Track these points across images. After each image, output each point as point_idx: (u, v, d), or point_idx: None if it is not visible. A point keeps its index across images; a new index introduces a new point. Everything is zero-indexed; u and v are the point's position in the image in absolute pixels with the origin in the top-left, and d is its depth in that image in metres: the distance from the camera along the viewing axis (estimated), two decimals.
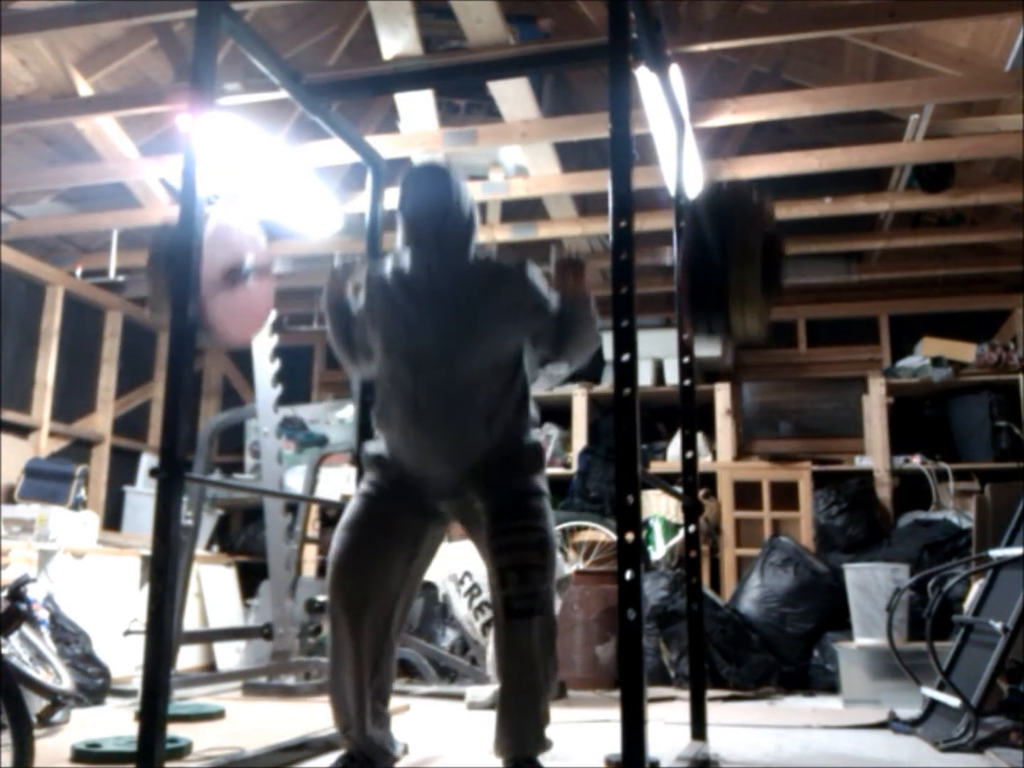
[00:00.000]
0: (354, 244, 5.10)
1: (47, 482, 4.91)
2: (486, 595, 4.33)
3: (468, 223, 2.28)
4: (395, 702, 3.62)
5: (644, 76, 2.82)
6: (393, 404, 2.26)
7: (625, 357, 1.83)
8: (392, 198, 2.34)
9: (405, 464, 2.26)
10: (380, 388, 2.34)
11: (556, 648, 2.11)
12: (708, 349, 5.59)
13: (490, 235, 5.24)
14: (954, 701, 2.93)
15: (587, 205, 5.11)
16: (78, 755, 2.60)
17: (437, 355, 2.20)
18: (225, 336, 2.45)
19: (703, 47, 3.57)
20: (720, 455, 5.53)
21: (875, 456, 5.36)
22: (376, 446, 2.35)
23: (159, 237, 2.43)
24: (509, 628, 2.07)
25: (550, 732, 2.14)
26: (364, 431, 2.74)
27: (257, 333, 2.74)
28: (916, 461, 5.26)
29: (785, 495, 5.34)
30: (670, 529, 5.21)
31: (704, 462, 5.29)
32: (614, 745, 1.83)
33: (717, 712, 3.27)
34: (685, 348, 2.84)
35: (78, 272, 5.67)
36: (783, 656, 4.41)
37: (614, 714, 1.81)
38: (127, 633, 3.83)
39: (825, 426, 5.98)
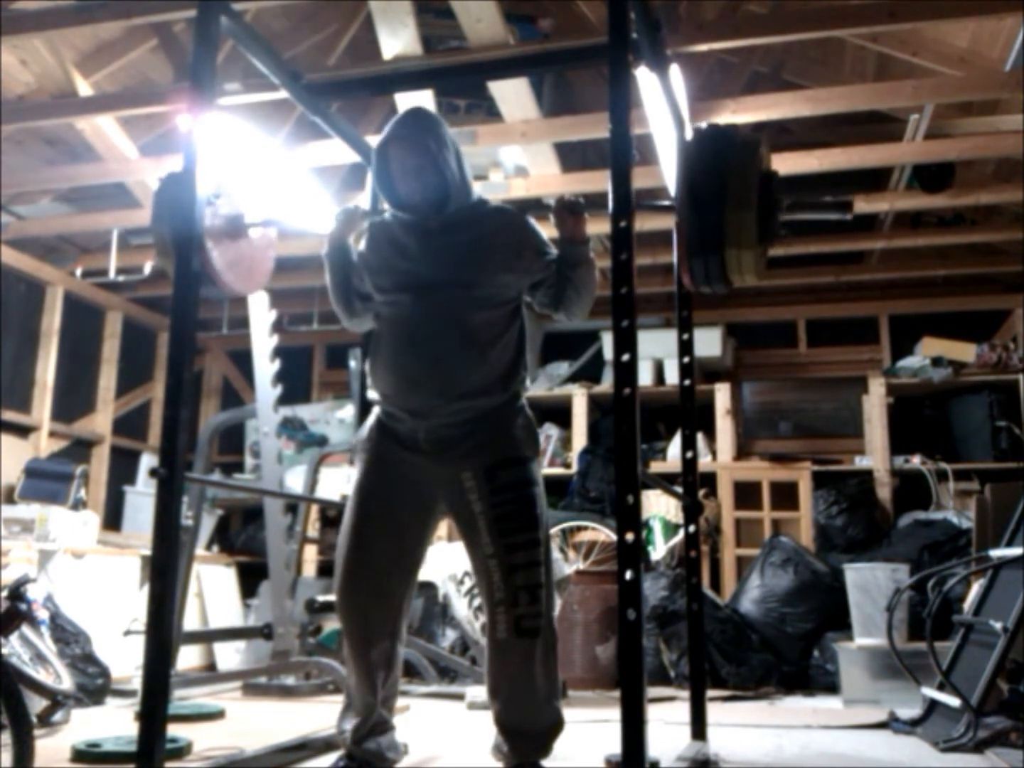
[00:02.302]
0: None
1: (47, 482, 4.91)
2: None
3: (463, 182, 2.26)
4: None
5: (644, 76, 2.82)
6: (388, 335, 2.26)
7: (625, 357, 1.83)
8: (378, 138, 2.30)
9: (396, 405, 2.23)
10: (377, 326, 2.33)
11: (557, 663, 2.16)
12: (708, 348, 5.60)
13: None
14: (954, 701, 2.93)
15: (587, 205, 5.10)
16: (78, 755, 2.60)
17: (437, 284, 2.21)
18: (230, 287, 2.43)
19: (703, 47, 3.57)
20: (720, 455, 5.53)
21: (875, 456, 5.36)
22: (369, 420, 2.32)
23: (162, 187, 2.45)
24: (517, 646, 2.09)
25: (553, 743, 2.19)
26: (365, 413, 2.67)
27: (262, 285, 2.73)
28: (916, 461, 5.26)
29: (785, 495, 5.34)
30: (670, 529, 5.20)
31: (704, 462, 5.29)
32: (614, 745, 1.83)
33: (717, 712, 3.27)
34: (685, 348, 2.84)
35: (78, 272, 5.67)
36: (783, 656, 4.41)
37: (614, 714, 1.81)
38: (127, 633, 3.83)
39: (825, 426, 5.98)
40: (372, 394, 2.32)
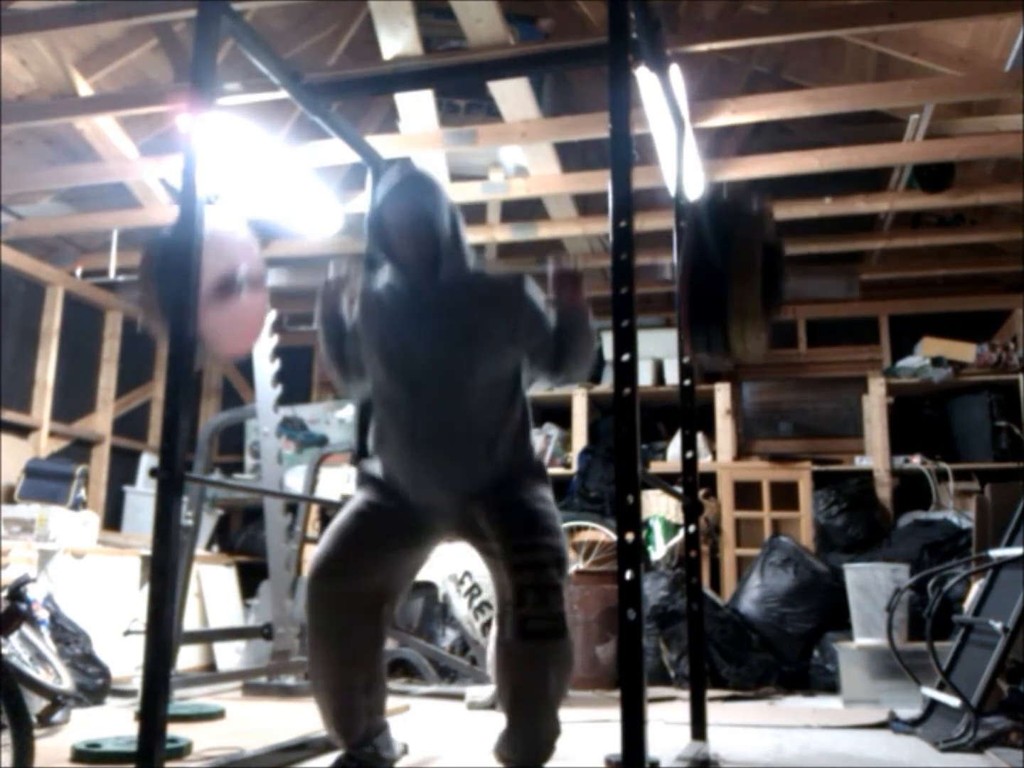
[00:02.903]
0: (354, 244, 5.11)
1: (47, 482, 4.91)
2: (486, 595, 4.34)
3: (457, 247, 2.20)
4: (395, 702, 3.63)
5: (644, 76, 2.82)
6: (390, 429, 2.21)
7: (625, 357, 1.83)
8: (372, 205, 2.26)
9: (404, 489, 2.20)
10: (377, 411, 2.28)
11: (572, 666, 2.05)
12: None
13: (490, 235, 5.24)
14: (954, 701, 2.93)
15: (587, 205, 5.11)
16: (78, 755, 2.60)
17: (435, 378, 2.15)
18: (218, 350, 2.38)
19: (703, 47, 3.57)
20: (720, 455, 5.53)
21: (875, 456, 5.36)
22: (373, 467, 2.29)
23: (153, 242, 2.36)
24: (522, 650, 1.99)
25: (556, 745, 2.13)
26: (364, 431, 2.69)
27: (250, 347, 2.67)
28: (916, 461, 5.26)
29: (785, 495, 5.34)
30: (670, 529, 5.21)
31: (704, 462, 5.29)
32: (614, 745, 1.83)
33: (717, 712, 3.27)
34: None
35: (78, 272, 5.67)
36: (783, 656, 4.41)
37: (614, 714, 1.81)
38: (127, 633, 3.83)
39: (825, 426, 5.98)
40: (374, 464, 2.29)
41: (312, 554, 2.20)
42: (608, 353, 5.74)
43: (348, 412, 6.11)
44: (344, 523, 2.20)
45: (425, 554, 2.30)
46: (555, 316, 2.22)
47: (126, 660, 4.20)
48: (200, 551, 5.16)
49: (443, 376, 2.15)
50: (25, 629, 3.23)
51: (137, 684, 2.18)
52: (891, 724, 3.25)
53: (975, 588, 3.60)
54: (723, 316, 1.97)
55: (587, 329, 2.22)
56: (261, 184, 4.41)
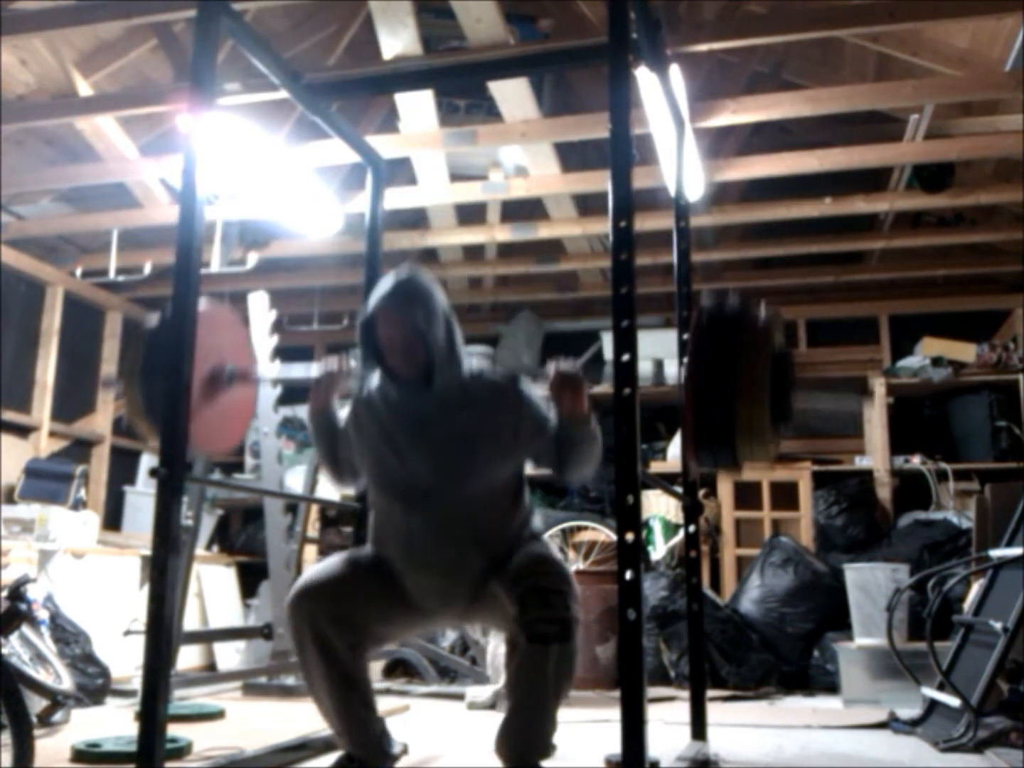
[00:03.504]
0: (354, 244, 5.11)
1: (47, 482, 4.91)
2: None
3: (451, 353, 2.11)
4: (395, 702, 3.63)
5: (644, 76, 2.82)
6: (387, 535, 2.17)
7: (625, 357, 1.83)
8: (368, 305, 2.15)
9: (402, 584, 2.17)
10: (373, 513, 2.24)
11: (575, 672, 1.99)
12: None
13: (490, 235, 5.24)
14: (954, 701, 2.93)
15: (587, 205, 5.11)
16: (78, 755, 2.60)
17: (432, 491, 2.09)
18: (200, 448, 2.32)
19: (703, 47, 3.57)
20: None
21: (875, 456, 5.36)
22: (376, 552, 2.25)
23: (139, 343, 2.32)
24: (528, 652, 1.93)
25: (554, 741, 2.10)
26: (362, 520, 2.72)
27: (236, 444, 2.62)
28: (916, 461, 5.26)
29: (785, 495, 5.34)
30: (670, 529, 5.20)
31: None
32: (614, 745, 1.83)
33: (717, 712, 3.27)
34: (685, 348, 2.83)
35: (78, 272, 5.67)
36: (783, 656, 4.41)
37: (614, 714, 1.81)
38: (127, 633, 3.82)
39: (825, 426, 5.98)
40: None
41: (301, 577, 2.17)
42: (608, 353, 5.75)
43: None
44: (339, 557, 2.19)
45: (418, 627, 2.26)
46: (556, 419, 2.14)
47: (126, 660, 4.20)
48: (200, 551, 5.16)
49: (440, 489, 2.10)
50: (25, 629, 3.23)
51: (137, 684, 2.18)
52: (891, 724, 3.25)
53: (975, 588, 3.60)
54: (731, 438, 1.90)
55: (590, 433, 2.14)
56: (261, 184, 4.41)
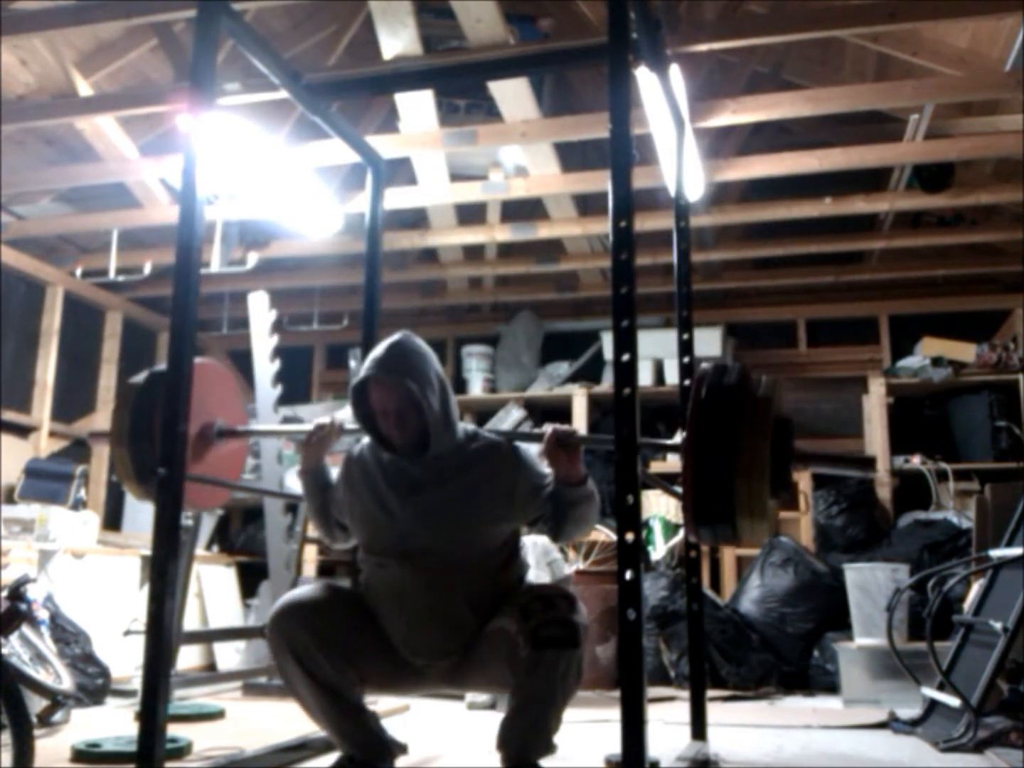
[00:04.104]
0: (354, 244, 5.11)
1: (47, 482, 4.91)
2: None
3: (446, 417, 2.08)
4: (395, 702, 3.63)
5: (644, 76, 2.82)
6: (379, 592, 2.14)
7: (625, 357, 1.83)
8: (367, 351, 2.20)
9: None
10: (365, 568, 2.20)
11: (581, 679, 1.98)
12: (708, 348, 5.60)
13: (490, 235, 5.24)
14: (954, 701, 2.93)
15: (587, 205, 5.11)
16: (78, 755, 2.60)
17: (426, 551, 2.07)
18: (190, 504, 2.29)
19: (703, 47, 3.57)
20: None
21: (875, 456, 5.36)
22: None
23: (127, 403, 2.29)
24: (535, 659, 1.90)
25: (556, 739, 2.09)
26: (355, 574, 2.65)
27: (226, 499, 2.60)
28: (916, 461, 5.26)
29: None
30: (670, 529, 5.20)
31: None
32: (614, 745, 1.83)
33: (717, 712, 3.27)
34: (685, 348, 2.84)
35: (78, 272, 5.67)
36: (783, 656, 4.41)
37: (614, 714, 1.81)
38: (127, 633, 3.82)
39: (825, 426, 5.98)
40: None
41: (282, 597, 2.15)
42: (608, 353, 5.75)
43: (348, 412, 6.11)
44: (325, 587, 2.18)
45: (403, 685, 2.22)
46: (553, 485, 2.13)
47: (126, 660, 4.20)
48: (200, 551, 5.16)
49: (434, 549, 2.08)
50: (25, 629, 3.23)
51: (137, 684, 2.18)
52: (891, 724, 3.25)
53: (975, 588, 3.60)
54: (731, 515, 1.88)
55: (586, 495, 2.11)
56: (261, 184, 4.41)
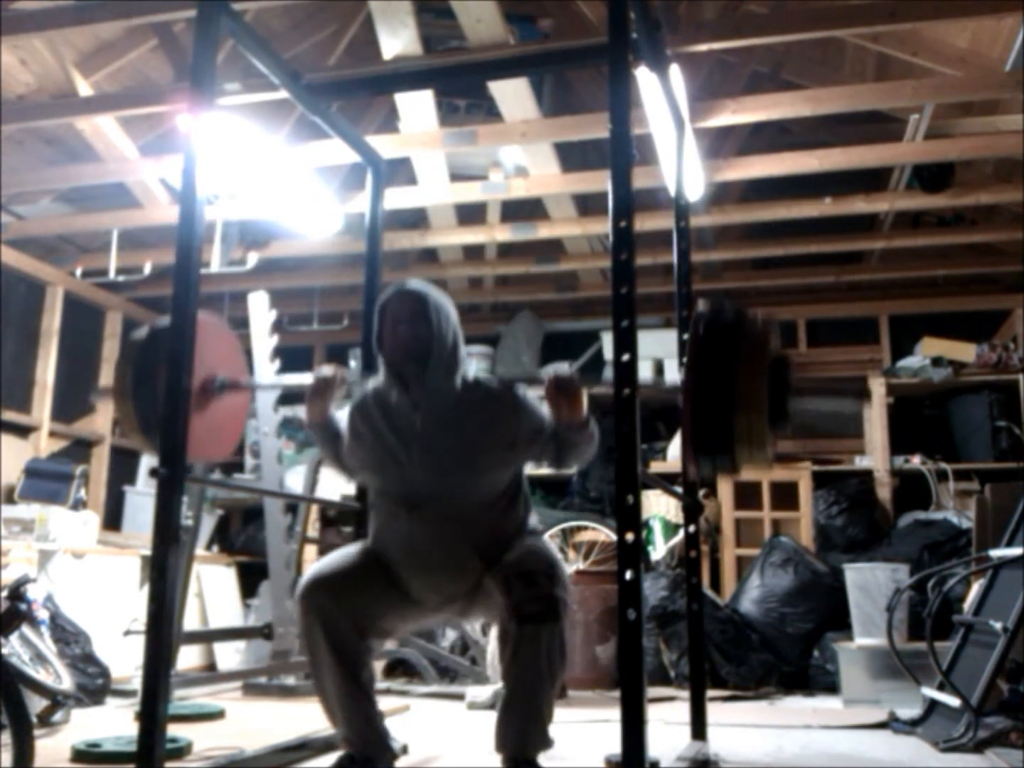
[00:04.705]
0: (354, 244, 5.11)
1: (47, 482, 4.91)
2: None
3: (452, 351, 2.18)
4: (395, 702, 3.63)
5: (644, 76, 2.82)
6: (388, 538, 2.21)
7: (625, 357, 1.83)
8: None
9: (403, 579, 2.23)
10: (374, 514, 2.28)
11: (566, 656, 2.04)
12: None
13: (490, 235, 5.24)
14: (954, 701, 2.93)
15: (587, 205, 5.11)
16: (78, 755, 2.60)
17: (431, 495, 2.14)
18: (193, 456, 2.30)
19: (703, 47, 3.57)
20: None
21: (875, 456, 5.36)
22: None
23: (129, 355, 2.33)
24: (520, 636, 1.97)
25: (551, 732, 2.11)
26: (362, 518, 2.73)
27: (229, 452, 2.63)
28: (916, 461, 5.26)
29: (785, 495, 5.34)
30: (670, 529, 5.20)
31: None
32: (614, 745, 1.83)
33: (717, 712, 3.27)
34: (685, 348, 2.83)
35: (78, 272, 5.67)
36: (783, 656, 4.41)
37: (614, 714, 1.81)
38: (127, 633, 3.83)
39: (825, 426, 5.97)
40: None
41: (308, 569, 2.20)
42: (608, 353, 5.75)
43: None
44: (344, 551, 2.23)
45: (419, 620, 2.30)
46: (554, 423, 2.18)
47: (126, 660, 4.20)
48: (200, 551, 5.16)
49: (440, 493, 2.14)
50: (25, 629, 3.23)
51: (137, 684, 2.18)
52: (891, 724, 3.25)
53: (975, 588, 3.60)
54: (729, 445, 1.93)
55: (588, 434, 2.18)
56: (261, 184, 4.41)
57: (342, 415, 2.34)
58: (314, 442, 2.38)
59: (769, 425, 1.93)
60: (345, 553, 2.26)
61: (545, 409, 2.20)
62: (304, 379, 2.38)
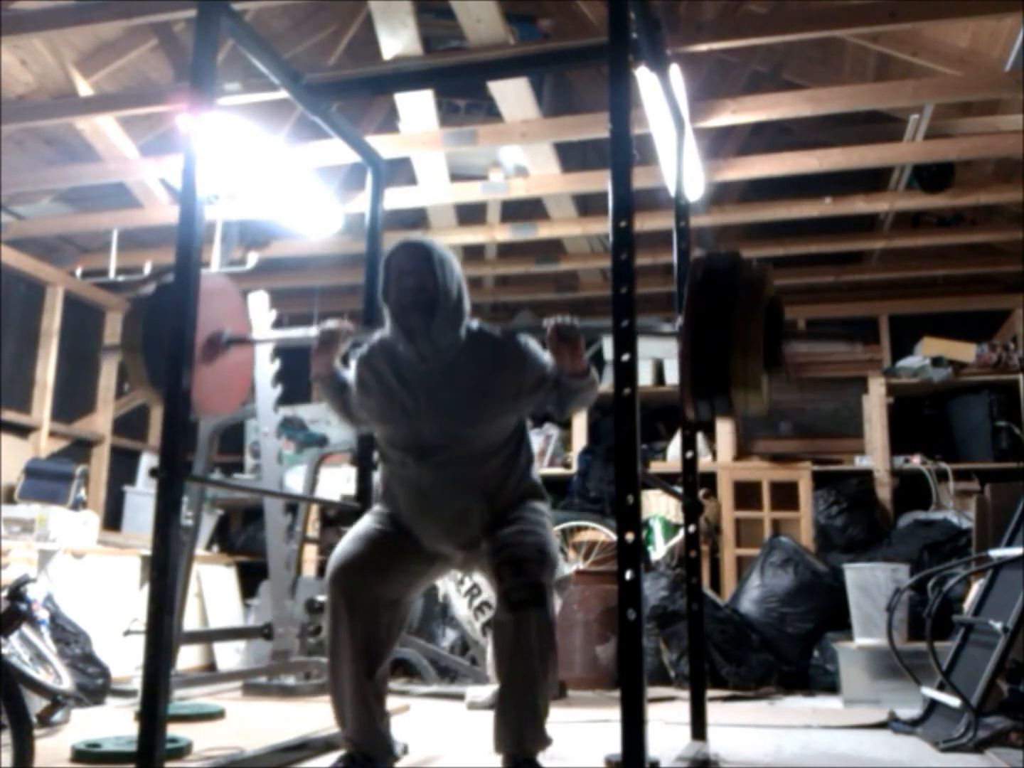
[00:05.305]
0: (354, 244, 5.11)
1: (47, 482, 4.91)
2: (486, 595, 4.34)
3: (457, 303, 2.22)
4: (395, 702, 3.62)
5: (644, 76, 2.82)
6: (397, 486, 2.28)
7: (625, 357, 1.83)
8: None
9: (412, 532, 2.28)
10: (383, 466, 2.33)
11: (555, 643, 2.08)
12: None
13: (490, 235, 5.24)
14: (954, 701, 2.93)
15: (587, 205, 5.11)
16: (78, 755, 2.60)
17: (439, 444, 2.19)
18: (202, 408, 2.36)
19: (703, 47, 3.57)
20: (720, 455, 5.53)
21: (875, 456, 5.36)
22: (385, 507, 2.35)
23: (140, 306, 2.36)
24: (509, 623, 2.03)
25: (550, 730, 2.12)
26: (364, 475, 2.83)
27: (235, 406, 2.67)
28: (916, 461, 5.26)
29: (785, 495, 5.34)
30: (670, 529, 5.20)
31: (704, 462, 5.28)
32: (614, 745, 1.83)
33: (717, 712, 3.27)
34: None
35: (78, 272, 5.67)
36: (783, 656, 4.41)
37: (614, 714, 1.81)
38: (127, 633, 3.83)
39: (825, 426, 5.97)
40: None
41: (334, 555, 2.23)
42: (608, 353, 5.74)
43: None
44: (361, 533, 2.26)
45: (434, 574, 2.38)
46: (556, 371, 2.24)
47: (126, 660, 4.20)
48: (200, 551, 5.16)
49: (447, 442, 2.20)
50: (25, 629, 3.23)
51: (137, 684, 2.18)
52: (891, 724, 3.25)
53: (975, 588, 3.60)
54: (726, 387, 1.98)
55: (589, 382, 2.24)
56: (261, 184, 4.41)
57: (348, 371, 2.39)
58: (323, 395, 2.43)
59: (764, 367, 1.99)
60: (362, 530, 2.28)
61: (547, 357, 2.24)
62: (309, 332, 2.40)
